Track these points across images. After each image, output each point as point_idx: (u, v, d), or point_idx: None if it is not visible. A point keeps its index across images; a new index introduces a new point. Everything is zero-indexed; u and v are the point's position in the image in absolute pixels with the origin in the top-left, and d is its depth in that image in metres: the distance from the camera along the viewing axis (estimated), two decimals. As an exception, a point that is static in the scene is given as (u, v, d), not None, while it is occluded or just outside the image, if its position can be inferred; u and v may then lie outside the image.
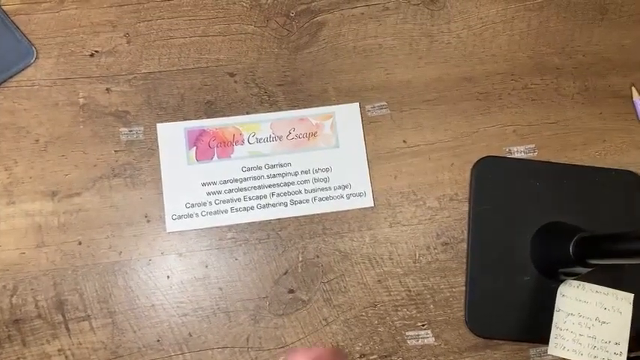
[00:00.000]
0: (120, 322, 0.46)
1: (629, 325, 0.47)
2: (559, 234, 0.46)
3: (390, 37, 0.53)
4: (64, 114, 0.49)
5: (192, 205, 0.49)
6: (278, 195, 0.49)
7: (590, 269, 0.43)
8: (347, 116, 0.51)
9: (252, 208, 0.49)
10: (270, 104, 0.51)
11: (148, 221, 0.48)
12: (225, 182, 0.49)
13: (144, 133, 0.49)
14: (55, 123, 0.49)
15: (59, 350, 0.46)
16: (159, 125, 0.49)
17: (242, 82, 0.51)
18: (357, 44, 0.53)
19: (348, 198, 0.50)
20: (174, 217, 0.48)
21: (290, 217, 0.49)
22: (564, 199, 0.50)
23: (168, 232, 0.48)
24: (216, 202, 0.49)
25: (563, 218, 0.48)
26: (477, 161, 0.51)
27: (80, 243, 0.47)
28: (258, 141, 0.50)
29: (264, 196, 0.49)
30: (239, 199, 0.49)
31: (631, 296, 0.47)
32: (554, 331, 0.47)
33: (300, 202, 0.49)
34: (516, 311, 0.48)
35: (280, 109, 0.51)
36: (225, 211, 0.49)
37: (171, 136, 0.49)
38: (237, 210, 0.49)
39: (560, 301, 0.47)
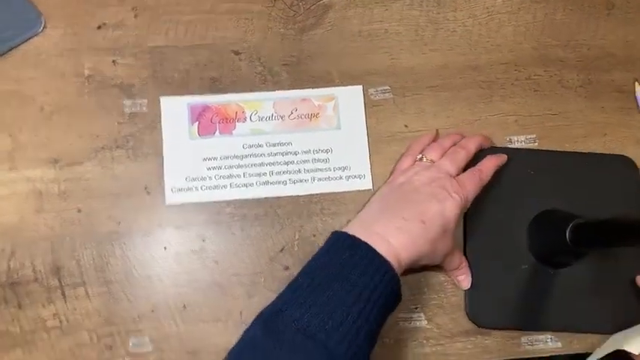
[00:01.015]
0: (115, 291, 0.47)
1: None
2: (555, 221, 0.46)
3: (395, 23, 0.53)
4: (70, 84, 0.50)
5: (193, 179, 0.49)
6: (277, 173, 0.50)
7: (587, 255, 0.43)
8: (350, 99, 0.51)
9: (251, 184, 0.49)
10: (274, 83, 0.51)
11: (148, 193, 0.49)
12: (226, 158, 0.50)
13: (147, 106, 0.50)
14: (60, 92, 0.49)
15: (54, 315, 0.46)
16: (162, 99, 0.50)
17: (247, 61, 0.51)
18: (363, 28, 0.53)
19: (347, 179, 0.50)
20: (173, 189, 0.49)
21: (289, 196, 0.50)
22: (559, 186, 0.50)
23: (167, 205, 0.48)
24: (216, 177, 0.49)
25: (559, 205, 0.48)
26: None
27: (80, 211, 0.48)
28: (261, 119, 0.51)
29: (264, 174, 0.50)
30: (239, 176, 0.49)
31: None
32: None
33: (300, 181, 0.50)
34: (515, 300, 0.48)
35: (283, 89, 0.51)
36: (225, 187, 0.49)
37: (175, 110, 0.50)
38: (236, 186, 0.49)
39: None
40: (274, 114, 0.51)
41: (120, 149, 0.49)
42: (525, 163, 0.50)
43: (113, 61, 0.50)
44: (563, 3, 0.55)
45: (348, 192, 0.50)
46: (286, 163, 0.50)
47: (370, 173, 0.50)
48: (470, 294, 0.48)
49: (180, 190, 0.49)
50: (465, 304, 0.48)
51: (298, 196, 0.50)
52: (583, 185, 0.50)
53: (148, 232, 0.48)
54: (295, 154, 0.50)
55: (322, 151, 0.51)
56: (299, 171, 0.50)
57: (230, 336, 0.46)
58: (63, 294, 0.46)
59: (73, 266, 0.47)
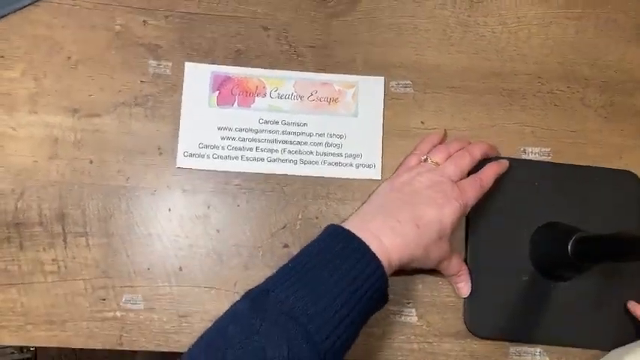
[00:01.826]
0: (115, 245, 0.47)
1: None
2: (557, 234, 0.46)
3: (425, 20, 0.53)
4: (99, 37, 0.50)
5: (205, 147, 0.49)
6: (289, 152, 0.50)
7: (588, 269, 0.43)
8: (370, 88, 0.52)
9: (262, 159, 0.50)
10: (298, 64, 0.52)
11: (160, 154, 0.49)
12: (241, 130, 0.50)
13: (171, 69, 0.50)
14: (88, 44, 0.50)
15: (53, 260, 0.47)
16: (187, 64, 0.50)
17: (274, 38, 0.52)
18: (393, 21, 0.53)
19: (357, 167, 0.50)
20: (185, 153, 0.49)
21: (297, 175, 0.50)
22: (563, 199, 0.50)
23: (177, 167, 0.49)
24: (229, 147, 0.50)
25: (561, 218, 0.48)
26: None
27: (91, 162, 0.48)
28: (280, 97, 0.51)
29: (276, 151, 0.50)
30: (251, 149, 0.50)
31: None
32: None
33: (310, 162, 0.50)
34: (514, 311, 0.48)
35: (307, 70, 0.52)
36: (236, 158, 0.50)
37: (198, 76, 0.50)
38: (247, 159, 0.50)
39: None
40: (294, 93, 0.51)
41: (139, 107, 0.50)
42: (530, 174, 0.50)
43: (144, 21, 0.51)
44: (595, 22, 0.55)
45: (357, 180, 0.50)
46: (299, 143, 0.50)
47: (381, 164, 0.51)
48: (469, 302, 0.48)
49: (192, 155, 0.49)
50: (463, 312, 0.48)
51: (307, 176, 0.50)
52: (587, 199, 0.50)
53: (156, 191, 0.49)
54: (309, 135, 0.51)
55: (336, 136, 0.51)
56: (311, 152, 0.50)
57: (221, 304, 0.47)
58: (64, 241, 0.47)
59: (77, 215, 0.48)
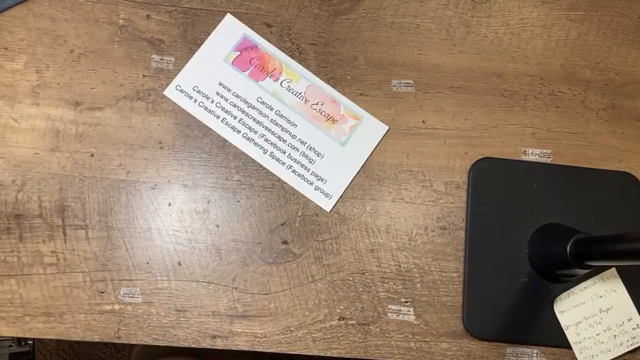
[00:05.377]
0: (114, 238, 0.47)
1: (628, 296, 0.47)
2: (556, 236, 0.46)
3: (428, 20, 0.54)
4: (102, 31, 0.51)
5: (198, 92, 0.50)
6: (266, 140, 0.50)
7: (587, 270, 0.43)
8: (371, 130, 0.51)
9: (239, 131, 0.50)
10: (300, 61, 0.52)
11: (161, 148, 0.49)
12: (237, 97, 0.50)
13: (174, 64, 0.51)
14: (91, 38, 0.50)
15: (52, 252, 0.47)
16: (228, 15, 0.51)
17: (277, 34, 0.52)
18: (396, 20, 0.53)
19: (315, 190, 0.50)
20: (177, 87, 0.50)
21: (259, 164, 0.50)
22: (561, 200, 0.50)
23: (164, 96, 0.50)
24: (217, 104, 0.50)
25: (560, 220, 0.48)
26: (475, 162, 0.51)
27: (92, 155, 0.49)
28: (289, 89, 0.51)
29: (255, 132, 0.50)
30: (235, 117, 0.50)
31: (613, 270, 0.48)
32: (576, 349, 0.47)
33: (278, 160, 0.50)
34: (513, 313, 0.48)
35: (309, 68, 0.52)
36: (218, 117, 0.50)
37: (230, 29, 0.51)
38: (227, 124, 0.50)
39: (562, 319, 0.47)
40: (302, 93, 0.51)
41: (140, 101, 0.50)
42: (529, 175, 0.50)
43: (147, 16, 0.51)
44: (598, 26, 0.55)
45: (355, 179, 0.50)
46: (280, 139, 0.50)
47: (337, 200, 0.50)
48: (467, 303, 0.48)
49: (182, 91, 0.50)
50: (462, 312, 0.48)
51: (267, 171, 0.50)
52: (586, 200, 0.50)
53: (156, 185, 0.49)
54: (293, 137, 0.50)
55: (315, 152, 0.50)
56: (284, 152, 0.50)
57: (219, 299, 0.47)
58: (64, 233, 0.47)
59: (77, 208, 0.48)
